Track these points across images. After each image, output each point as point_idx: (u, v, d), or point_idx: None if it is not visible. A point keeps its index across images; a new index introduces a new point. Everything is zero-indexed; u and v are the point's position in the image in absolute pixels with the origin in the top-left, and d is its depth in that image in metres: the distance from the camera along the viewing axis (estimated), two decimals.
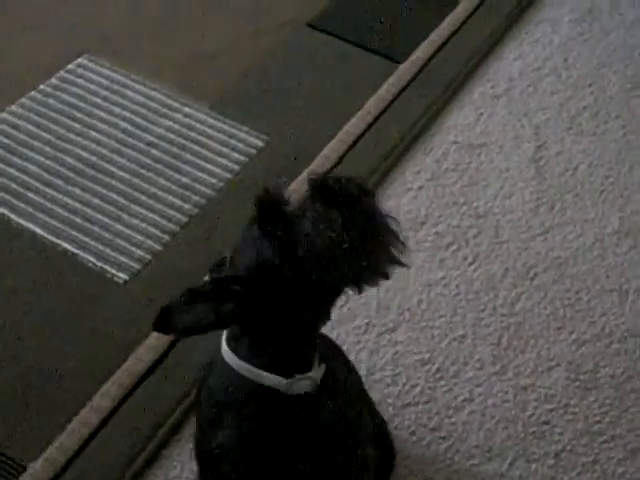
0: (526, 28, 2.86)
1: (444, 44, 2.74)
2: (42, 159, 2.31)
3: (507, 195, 2.35)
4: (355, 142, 2.43)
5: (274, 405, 1.38)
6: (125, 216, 2.20)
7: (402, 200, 2.31)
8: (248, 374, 1.36)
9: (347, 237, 1.26)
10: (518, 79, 2.68)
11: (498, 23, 2.82)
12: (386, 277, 1.33)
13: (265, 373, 1.35)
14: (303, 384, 1.37)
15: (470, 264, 2.18)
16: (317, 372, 1.40)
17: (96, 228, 2.17)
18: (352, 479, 1.49)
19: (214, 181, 2.30)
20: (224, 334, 1.41)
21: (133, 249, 2.13)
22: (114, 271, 2.09)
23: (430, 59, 2.69)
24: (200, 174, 2.31)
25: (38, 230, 2.15)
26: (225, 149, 2.38)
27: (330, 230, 1.25)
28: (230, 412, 1.40)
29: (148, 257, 2.12)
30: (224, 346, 1.39)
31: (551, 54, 2.78)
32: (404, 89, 2.59)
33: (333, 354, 1.52)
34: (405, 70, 2.64)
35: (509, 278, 2.16)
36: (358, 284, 1.32)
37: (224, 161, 2.35)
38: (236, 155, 2.37)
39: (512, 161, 2.44)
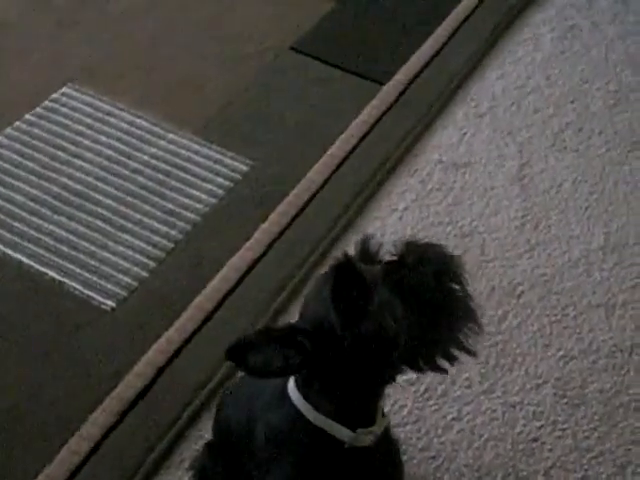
0: (508, 47, 2.87)
1: (427, 65, 2.75)
2: (27, 188, 2.32)
3: (492, 213, 2.36)
4: (340, 165, 2.44)
5: (333, 453, 1.39)
6: (111, 243, 2.21)
7: (388, 221, 2.31)
8: (313, 419, 1.37)
9: (407, 329, 1.24)
10: (501, 98, 2.70)
11: (480, 43, 2.84)
12: (452, 361, 1.30)
13: (331, 422, 1.36)
14: (365, 438, 1.38)
15: None
16: (380, 426, 1.40)
17: (82, 256, 2.17)
18: None
19: (199, 207, 2.30)
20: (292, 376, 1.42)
21: (119, 276, 2.14)
22: (101, 299, 2.09)
23: (413, 80, 2.70)
24: (185, 200, 2.32)
25: (24, 259, 2.16)
26: (210, 174, 2.38)
27: (392, 319, 1.24)
28: (289, 451, 1.41)
29: (135, 284, 2.13)
30: (291, 384, 1.40)
31: (533, 72, 2.79)
32: (387, 111, 2.60)
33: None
34: (388, 92, 2.65)
35: (495, 296, 2.17)
36: (420, 367, 1.30)
37: (209, 186, 2.35)
38: (221, 180, 2.37)
39: (496, 179, 2.45)
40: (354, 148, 2.48)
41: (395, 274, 1.26)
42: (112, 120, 2.51)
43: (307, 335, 1.29)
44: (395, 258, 1.28)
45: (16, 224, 2.23)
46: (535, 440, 1.91)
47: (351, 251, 1.33)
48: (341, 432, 1.36)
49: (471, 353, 1.29)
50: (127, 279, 2.14)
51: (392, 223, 2.31)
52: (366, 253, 1.33)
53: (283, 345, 1.29)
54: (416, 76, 2.71)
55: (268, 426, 1.44)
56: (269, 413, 1.44)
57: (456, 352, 1.28)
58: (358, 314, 1.26)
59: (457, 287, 1.28)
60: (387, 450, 1.48)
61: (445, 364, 1.29)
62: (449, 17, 2.93)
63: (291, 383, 1.40)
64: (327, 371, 1.32)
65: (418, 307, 1.25)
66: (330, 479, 1.42)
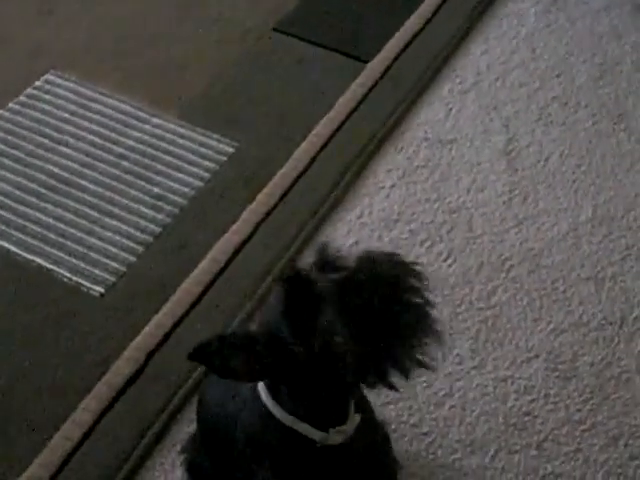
0: (492, 22, 2.86)
1: (410, 42, 2.74)
2: (13, 176, 2.31)
3: (479, 189, 2.36)
4: (326, 144, 2.43)
5: (308, 452, 1.39)
6: (98, 229, 2.20)
7: (375, 199, 2.31)
8: (283, 420, 1.37)
9: (351, 347, 1.22)
10: (486, 73, 2.69)
11: (464, 18, 2.83)
12: (407, 376, 1.27)
13: (300, 423, 1.36)
14: (336, 437, 1.38)
15: (445, 259, 2.18)
16: (351, 424, 1.40)
17: (70, 243, 2.16)
18: None
19: (186, 190, 2.30)
20: None
21: (107, 262, 2.13)
22: (89, 284, 2.09)
23: (397, 57, 2.69)
24: (172, 184, 2.31)
25: (11, 247, 2.15)
26: (196, 157, 2.38)
27: (336, 338, 1.22)
28: (266, 454, 1.42)
29: (123, 269, 2.12)
30: (261, 384, 1.39)
31: (518, 46, 2.78)
32: (372, 88, 2.59)
33: (363, 402, 1.51)
34: (372, 69, 2.64)
35: (484, 271, 2.17)
36: (371, 383, 1.28)
37: (195, 169, 2.35)
38: (207, 163, 2.37)
39: (483, 155, 2.45)
40: (339, 127, 2.48)
41: (342, 293, 1.23)
42: (96, 106, 2.50)
43: (264, 345, 1.28)
44: (346, 274, 1.25)
45: (2, 212, 2.22)
46: (527, 414, 1.91)
47: (310, 260, 1.31)
48: (311, 432, 1.36)
49: (428, 367, 1.27)
50: (115, 264, 2.13)
51: (379, 201, 2.31)
52: (324, 261, 1.30)
53: (245, 352, 1.28)
54: (400, 53, 2.70)
55: (244, 426, 1.44)
56: (244, 412, 1.44)
57: (412, 366, 1.26)
58: (308, 328, 1.24)
59: (414, 300, 1.26)
60: (371, 442, 1.47)
61: (400, 379, 1.26)
62: None
63: (261, 384, 1.39)
64: (290, 378, 1.32)
65: (365, 326, 1.22)
66: (309, 477, 1.42)
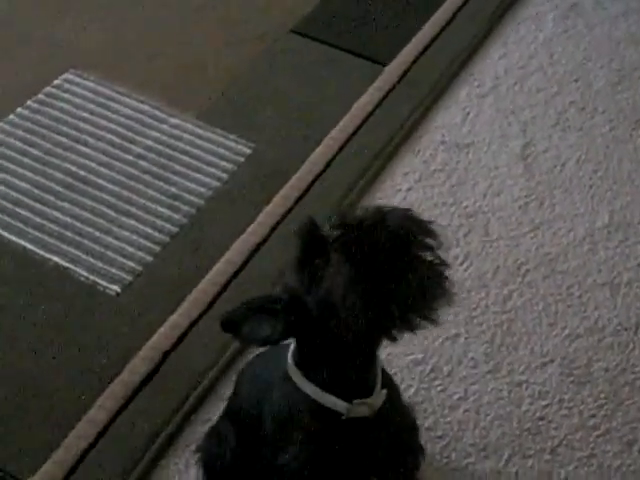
0: (510, 26, 2.86)
1: (429, 45, 2.74)
2: (31, 175, 2.31)
3: (496, 193, 2.36)
4: (343, 146, 2.43)
5: (335, 427, 1.40)
6: (115, 228, 2.21)
7: (391, 202, 2.31)
8: (310, 392, 1.38)
9: (358, 294, 1.22)
10: (504, 77, 2.69)
11: (482, 22, 2.83)
12: (413, 330, 1.27)
13: (325, 394, 1.37)
14: (361, 409, 1.39)
15: (461, 263, 2.18)
16: (376, 398, 1.41)
17: (86, 241, 2.17)
18: None
19: (203, 190, 2.30)
20: (290, 350, 1.43)
21: (124, 261, 2.14)
22: (106, 283, 2.10)
23: (415, 60, 2.69)
24: (189, 184, 2.32)
25: (29, 245, 2.16)
26: (213, 158, 2.38)
27: (342, 284, 1.23)
28: (294, 430, 1.42)
29: (139, 268, 2.13)
30: (290, 361, 1.41)
31: (536, 51, 2.78)
32: (390, 91, 2.59)
33: (391, 383, 1.51)
34: (390, 72, 2.64)
35: (500, 276, 2.17)
36: (383, 335, 1.29)
37: (212, 170, 2.35)
38: (224, 163, 2.37)
39: (500, 159, 2.45)
40: (357, 130, 2.48)
41: (351, 244, 1.23)
42: (114, 105, 2.51)
43: (284, 303, 1.30)
44: (356, 224, 1.24)
45: (20, 211, 2.23)
46: (541, 419, 1.91)
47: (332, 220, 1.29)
48: (336, 404, 1.37)
49: (433, 322, 1.27)
50: (132, 264, 2.14)
51: (396, 204, 2.30)
52: (342, 221, 1.28)
53: (269, 314, 1.30)
54: (418, 57, 2.70)
55: (272, 405, 1.45)
56: (274, 391, 1.45)
57: (419, 323, 1.26)
58: (318, 279, 1.25)
59: (425, 257, 1.25)
60: (399, 424, 1.48)
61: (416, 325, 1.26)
62: None
63: (290, 360, 1.41)
64: (312, 340, 1.33)
65: (371, 272, 1.21)
66: (339, 454, 1.42)
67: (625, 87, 2.68)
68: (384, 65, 2.67)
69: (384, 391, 1.42)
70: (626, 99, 2.64)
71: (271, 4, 2.90)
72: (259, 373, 1.57)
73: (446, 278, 1.27)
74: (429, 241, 1.26)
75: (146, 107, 2.51)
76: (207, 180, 2.33)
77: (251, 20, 2.83)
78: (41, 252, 2.15)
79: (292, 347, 1.42)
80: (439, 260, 1.27)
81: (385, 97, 2.58)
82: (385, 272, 1.21)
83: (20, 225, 2.20)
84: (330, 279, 1.23)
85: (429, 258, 1.26)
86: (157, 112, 2.50)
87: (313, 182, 2.34)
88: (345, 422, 1.38)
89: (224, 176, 2.34)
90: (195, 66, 2.66)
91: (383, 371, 1.47)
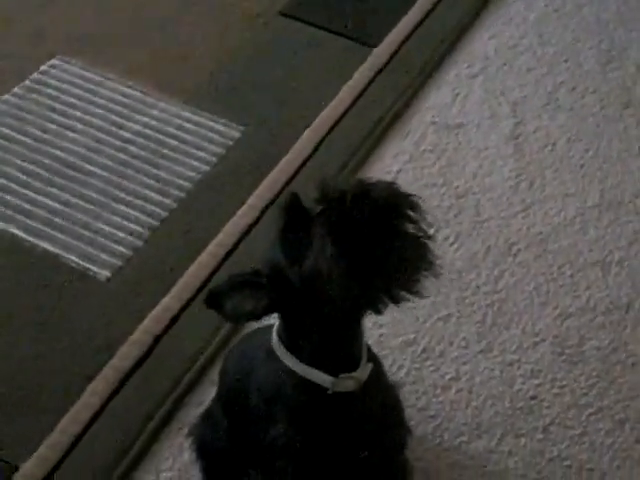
0: (500, 7, 2.85)
1: (418, 26, 2.73)
2: (19, 161, 2.30)
3: (486, 174, 2.35)
4: (332, 128, 2.42)
5: (321, 402, 1.39)
6: (105, 214, 2.20)
7: None
8: (294, 367, 1.38)
9: (340, 268, 1.21)
10: (494, 58, 2.68)
11: (472, 2, 2.82)
12: (397, 303, 1.27)
13: (311, 369, 1.37)
14: (347, 383, 1.38)
15: (452, 244, 2.18)
16: (362, 372, 1.40)
17: (76, 227, 2.17)
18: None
19: (192, 174, 2.30)
20: (274, 327, 1.42)
21: (114, 246, 2.13)
22: (96, 269, 2.09)
23: (404, 42, 2.68)
24: (178, 168, 2.31)
25: (18, 232, 2.15)
26: (202, 142, 2.37)
27: (324, 258, 1.22)
28: (280, 407, 1.42)
29: (130, 253, 2.12)
30: (275, 338, 1.40)
31: (526, 31, 2.77)
32: (379, 73, 2.58)
33: (376, 359, 1.51)
34: (379, 54, 2.63)
35: (491, 256, 2.16)
36: (368, 308, 1.29)
37: (202, 154, 2.34)
38: (213, 147, 2.36)
39: (490, 139, 2.44)
40: (346, 112, 2.47)
41: (332, 211, 1.22)
42: (102, 91, 2.50)
43: (267, 278, 1.30)
44: (338, 196, 1.23)
45: (8, 197, 2.22)
46: (533, 398, 1.91)
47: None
48: (322, 378, 1.36)
49: (418, 295, 1.26)
50: (122, 249, 2.13)
51: None
52: (324, 194, 1.27)
53: (252, 289, 1.30)
54: (407, 38, 2.69)
55: (258, 383, 1.45)
56: (260, 368, 1.45)
57: (403, 296, 1.26)
58: (301, 253, 1.25)
59: (408, 230, 1.25)
60: (383, 401, 1.47)
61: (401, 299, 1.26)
62: None
63: (274, 336, 1.40)
64: (296, 314, 1.33)
65: (354, 246, 1.21)
66: (324, 429, 1.42)
67: (615, 67, 2.67)
68: (373, 47, 2.66)
69: (370, 364, 1.42)
70: (615, 79, 2.64)
71: None
72: (245, 351, 1.57)
73: (430, 250, 1.27)
74: (412, 214, 1.25)
75: (134, 92, 2.50)
76: (196, 164, 2.32)
77: (239, 3, 2.81)
78: (30, 238, 2.14)
79: (277, 323, 1.41)
80: (422, 233, 1.26)
81: (374, 79, 2.57)
82: (368, 246, 1.21)
83: (9, 212, 2.19)
84: (313, 254, 1.23)
85: (412, 231, 1.25)
86: (145, 97, 2.49)
87: (302, 165, 2.33)
88: (331, 397, 1.38)
89: (213, 160, 2.33)
90: (183, 50, 2.65)
91: (368, 347, 1.47)
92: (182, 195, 2.25)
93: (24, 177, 2.27)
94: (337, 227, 1.21)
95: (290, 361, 1.38)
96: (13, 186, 2.24)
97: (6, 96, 2.47)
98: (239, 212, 2.20)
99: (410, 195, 1.27)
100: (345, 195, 1.22)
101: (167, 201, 2.23)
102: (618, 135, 2.47)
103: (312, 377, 1.37)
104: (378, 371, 1.46)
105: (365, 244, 1.21)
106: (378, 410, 1.45)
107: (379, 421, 1.46)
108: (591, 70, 2.66)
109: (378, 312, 1.27)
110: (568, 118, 2.52)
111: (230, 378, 1.60)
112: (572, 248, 2.20)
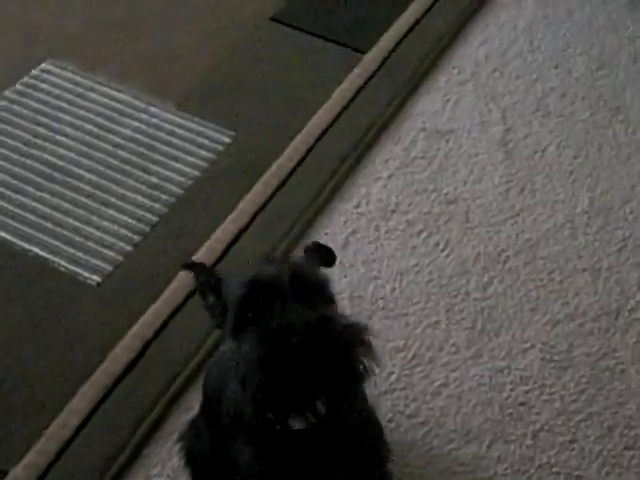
0: (490, 13, 2.86)
1: (408, 32, 2.74)
2: (9, 165, 2.30)
3: (476, 180, 2.36)
4: (323, 134, 2.43)
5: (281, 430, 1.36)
6: (95, 218, 2.20)
7: (372, 189, 2.31)
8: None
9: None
10: (484, 64, 2.69)
11: (462, 9, 2.82)
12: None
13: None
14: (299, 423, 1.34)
15: (442, 250, 2.18)
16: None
17: (67, 232, 2.16)
18: None
19: (183, 179, 2.30)
20: None
21: (104, 251, 2.13)
22: (86, 274, 2.09)
23: (395, 48, 2.68)
24: (169, 173, 2.31)
25: (8, 237, 2.15)
26: (193, 147, 2.37)
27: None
28: (240, 429, 1.41)
29: (120, 258, 2.12)
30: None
31: (516, 38, 2.78)
32: (370, 79, 2.59)
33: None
34: (370, 60, 2.64)
35: (481, 262, 2.17)
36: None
37: (192, 159, 2.34)
38: (204, 152, 2.36)
39: (480, 146, 2.45)
40: (337, 117, 2.47)
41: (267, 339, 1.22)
42: (93, 95, 2.50)
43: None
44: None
45: None
46: (523, 404, 1.92)
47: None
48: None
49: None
50: (112, 254, 2.13)
51: (376, 191, 2.31)
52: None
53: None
54: (398, 44, 2.70)
55: (228, 398, 1.44)
56: (230, 386, 1.44)
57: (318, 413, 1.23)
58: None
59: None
60: (351, 421, 1.42)
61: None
62: None
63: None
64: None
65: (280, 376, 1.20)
66: (288, 457, 1.40)
67: (605, 74, 2.68)
68: (364, 52, 2.66)
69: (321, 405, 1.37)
70: (605, 86, 2.64)
71: None
72: (224, 363, 1.54)
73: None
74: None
75: (125, 96, 2.50)
76: (187, 169, 2.32)
77: (231, 8, 2.81)
78: (21, 243, 2.14)
79: None
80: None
81: (365, 85, 2.58)
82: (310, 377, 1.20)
83: None
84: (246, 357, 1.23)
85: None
86: (136, 101, 2.49)
87: (294, 170, 2.33)
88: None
89: (204, 165, 2.34)
90: (174, 55, 2.65)
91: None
92: (172, 200, 2.25)
93: (14, 181, 2.27)
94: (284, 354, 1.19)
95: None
96: (3, 190, 2.24)
97: None
98: (229, 217, 2.20)
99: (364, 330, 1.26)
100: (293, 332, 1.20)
101: (157, 206, 2.23)
102: (608, 141, 2.48)
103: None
104: (350, 395, 1.42)
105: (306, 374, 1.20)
106: (348, 435, 1.41)
107: (352, 446, 1.42)
108: (581, 76, 2.67)
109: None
110: (558, 124, 2.52)
111: (208, 391, 1.60)
112: (561, 254, 2.20)
